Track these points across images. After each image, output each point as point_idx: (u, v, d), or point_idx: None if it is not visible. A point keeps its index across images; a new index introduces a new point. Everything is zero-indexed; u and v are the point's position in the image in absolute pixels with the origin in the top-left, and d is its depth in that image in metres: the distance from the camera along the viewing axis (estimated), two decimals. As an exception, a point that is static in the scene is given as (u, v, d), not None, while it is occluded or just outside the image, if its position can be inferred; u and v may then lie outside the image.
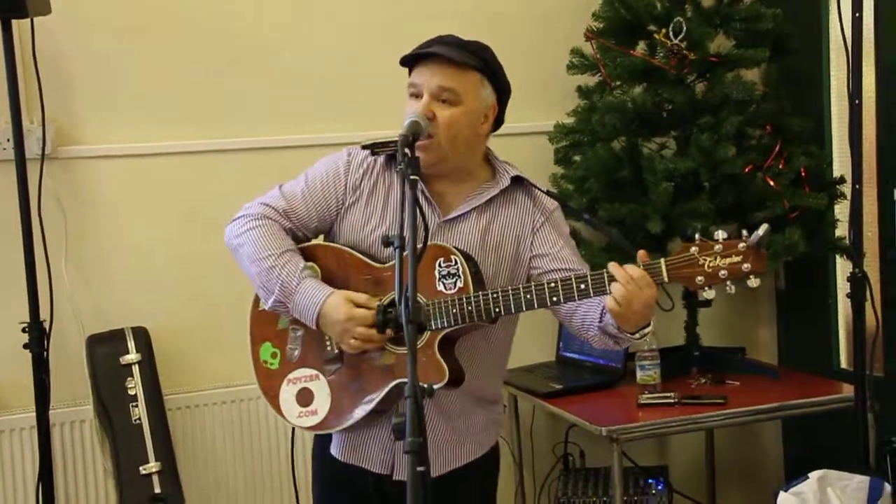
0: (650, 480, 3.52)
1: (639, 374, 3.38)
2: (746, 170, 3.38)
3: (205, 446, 3.54)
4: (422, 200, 2.16)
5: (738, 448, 4.14)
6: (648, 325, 2.21)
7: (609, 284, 2.15)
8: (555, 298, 2.21)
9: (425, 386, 1.77)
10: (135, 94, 3.48)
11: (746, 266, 2.11)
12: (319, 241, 2.44)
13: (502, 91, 2.37)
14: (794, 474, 3.05)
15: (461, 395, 2.36)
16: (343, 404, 2.33)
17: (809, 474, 2.88)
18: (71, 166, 3.44)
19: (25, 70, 3.25)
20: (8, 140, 3.22)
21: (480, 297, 2.22)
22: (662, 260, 2.16)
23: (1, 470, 3.33)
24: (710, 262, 2.12)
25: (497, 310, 2.22)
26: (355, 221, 2.37)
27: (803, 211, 3.39)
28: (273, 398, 2.40)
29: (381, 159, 2.37)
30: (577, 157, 3.67)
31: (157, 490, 3.33)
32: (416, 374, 1.77)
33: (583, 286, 2.19)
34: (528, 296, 2.21)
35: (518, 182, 2.41)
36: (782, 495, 2.88)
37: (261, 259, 2.31)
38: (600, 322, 2.28)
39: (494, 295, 2.22)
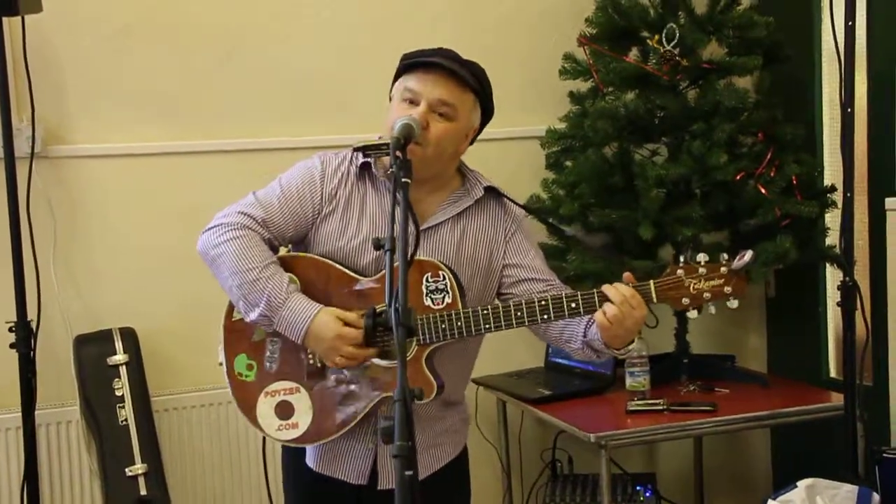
0: (638, 487, 3.51)
1: (628, 380, 3.38)
2: (738, 177, 3.38)
3: (192, 448, 3.53)
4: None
5: (727, 456, 4.14)
6: (633, 341, 2.27)
7: (600, 304, 2.20)
8: (545, 316, 2.24)
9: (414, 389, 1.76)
10: (125, 93, 3.47)
11: (728, 289, 2.24)
12: (297, 252, 2.39)
13: (487, 116, 2.39)
14: (782, 482, 3.05)
15: (433, 400, 2.34)
16: (326, 417, 2.31)
17: (798, 483, 2.88)
18: (60, 166, 3.43)
19: (16, 68, 3.23)
20: (-3, 138, 3.21)
21: (470, 313, 2.23)
22: (651, 282, 2.23)
23: (-14, 470, 3.32)
24: (694, 284, 2.23)
25: (487, 326, 2.23)
26: (332, 231, 2.34)
27: (794, 219, 3.39)
28: (249, 411, 2.35)
29: (354, 168, 2.36)
30: (568, 163, 3.66)
31: (143, 492, 3.31)
32: (406, 377, 1.76)
33: (574, 305, 2.22)
34: (519, 313, 2.23)
35: (489, 191, 2.42)
36: (770, 503, 2.88)
37: (243, 271, 2.26)
38: (584, 336, 2.32)
39: (485, 312, 2.23)
